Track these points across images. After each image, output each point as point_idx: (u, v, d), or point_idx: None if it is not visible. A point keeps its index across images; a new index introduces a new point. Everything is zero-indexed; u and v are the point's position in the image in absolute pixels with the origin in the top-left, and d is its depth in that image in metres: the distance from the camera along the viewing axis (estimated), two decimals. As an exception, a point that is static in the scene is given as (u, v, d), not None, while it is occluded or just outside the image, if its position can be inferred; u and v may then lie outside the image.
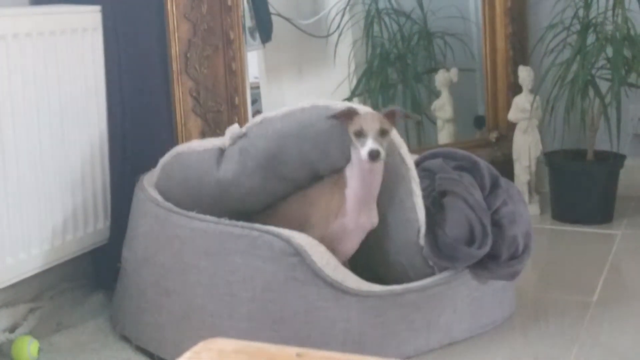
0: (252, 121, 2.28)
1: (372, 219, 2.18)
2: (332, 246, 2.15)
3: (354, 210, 2.14)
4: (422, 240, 2.18)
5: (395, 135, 2.20)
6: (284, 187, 2.24)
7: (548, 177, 3.34)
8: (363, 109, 2.16)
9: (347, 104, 2.15)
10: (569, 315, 2.41)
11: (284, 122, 2.19)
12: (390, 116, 2.12)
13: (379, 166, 2.11)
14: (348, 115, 2.10)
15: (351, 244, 2.19)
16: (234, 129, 2.27)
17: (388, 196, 2.21)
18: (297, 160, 2.19)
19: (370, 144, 2.04)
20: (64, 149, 2.34)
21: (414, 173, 2.21)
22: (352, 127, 2.08)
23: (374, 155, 2.03)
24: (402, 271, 2.21)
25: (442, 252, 2.18)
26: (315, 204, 2.19)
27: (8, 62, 2.14)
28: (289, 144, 2.18)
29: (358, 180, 2.12)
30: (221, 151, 2.27)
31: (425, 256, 2.18)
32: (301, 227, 2.15)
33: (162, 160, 2.35)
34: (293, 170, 2.21)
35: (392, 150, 2.19)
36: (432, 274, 2.20)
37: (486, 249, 2.19)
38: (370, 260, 2.28)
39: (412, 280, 2.18)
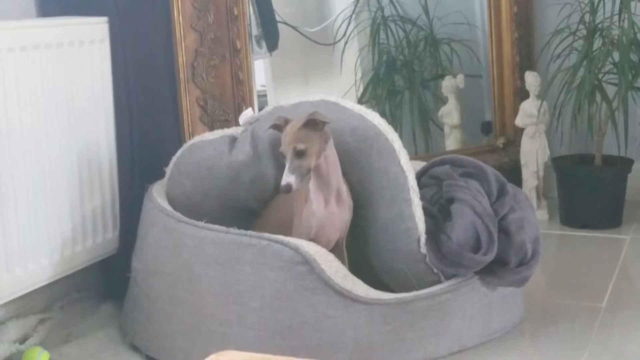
0: (265, 108, 2.41)
1: (343, 208, 2.20)
2: (310, 231, 2.17)
3: (318, 200, 2.16)
4: (423, 249, 2.19)
5: (396, 144, 2.22)
6: None
7: (556, 182, 3.34)
8: (293, 120, 2.15)
9: (278, 115, 2.18)
10: (579, 321, 2.40)
11: (292, 110, 2.26)
12: (311, 124, 2.10)
13: (330, 162, 2.13)
14: (278, 127, 2.16)
15: (329, 232, 2.20)
16: (247, 113, 2.36)
17: (387, 206, 2.22)
18: None
19: (284, 176, 2.06)
20: (72, 159, 2.35)
21: (413, 182, 2.22)
22: (280, 145, 2.12)
23: (285, 190, 2.05)
24: (406, 278, 2.21)
25: (447, 259, 2.18)
26: (295, 192, 2.21)
27: (16, 73, 2.15)
28: None
29: (313, 178, 2.16)
30: (234, 138, 2.37)
31: (430, 264, 2.19)
32: (291, 216, 2.20)
33: (175, 156, 2.40)
34: None
35: (391, 159, 2.20)
36: (437, 281, 2.20)
37: (491, 255, 2.19)
38: (373, 268, 2.29)
39: (416, 287, 2.19)
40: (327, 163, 2.13)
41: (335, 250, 2.20)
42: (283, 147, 2.09)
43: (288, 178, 2.05)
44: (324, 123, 2.11)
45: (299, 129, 2.09)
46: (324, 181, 2.15)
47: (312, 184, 2.16)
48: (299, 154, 2.07)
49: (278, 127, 2.17)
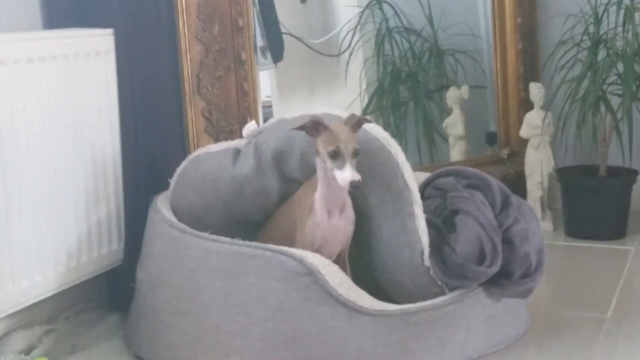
0: (269, 121, 2.41)
1: (346, 221, 2.20)
2: (314, 242, 2.17)
3: (323, 212, 2.16)
4: (426, 262, 2.19)
5: (400, 158, 2.22)
6: (289, 189, 2.32)
7: (560, 193, 3.34)
8: (332, 120, 2.15)
9: (314, 115, 2.14)
10: (583, 332, 2.40)
11: (295, 123, 2.22)
12: (358, 126, 2.13)
13: None
14: (315, 128, 2.10)
15: (331, 244, 2.20)
16: (251, 126, 2.36)
17: (390, 219, 2.23)
18: (300, 161, 2.28)
19: (350, 173, 2.03)
20: (77, 170, 2.36)
21: (416, 196, 2.22)
22: (326, 145, 2.07)
23: (356, 187, 2.04)
24: (409, 290, 2.21)
25: (451, 272, 2.18)
26: (298, 204, 2.23)
27: (22, 85, 2.17)
28: (296, 144, 2.27)
29: (323, 188, 2.15)
30: (237, 151, 2.37)
31: (434, 276, 2.19)
32: (295, 227, 2.20)
33: (179, 168, 2.40)
34: (296, 171, 2.30)
35: (394, 173, 2.21)
36: (441, 292, 2.20)
37: (496, 267, 2.19)
38: (376, 279, 2.29)
39: (419, 299, 2.19)
40: None
41: (337, 262, 2.20)
42: (340, 146, 2.05)
43: (357, 175, 2.03)
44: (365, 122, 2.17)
45: (350, 130, 2.10)
46: (333, 192, 2.15)
47: (317, 195, 2.16)
48: (356, 154, 2.07)
49: (310, 129, 2.10)
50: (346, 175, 2.04)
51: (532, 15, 3.56)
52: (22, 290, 2.21)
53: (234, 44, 2.75)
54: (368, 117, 2.15)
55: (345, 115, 2.23)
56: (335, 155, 2.06)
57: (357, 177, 2.03)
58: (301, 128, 2.11)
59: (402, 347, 2.13)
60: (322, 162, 2.10)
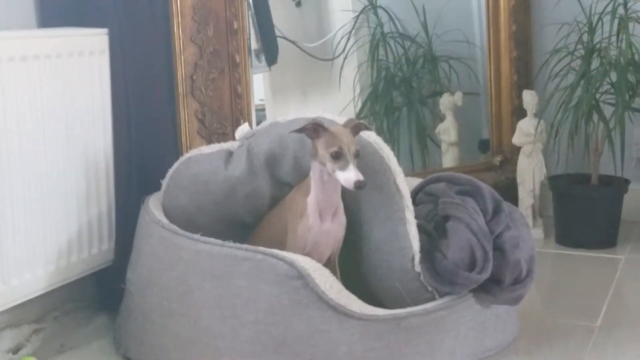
0: (262, 124, 2.42)
1: (338, 225, 2.20)
2: (305, 246, 2.17)
3: (315, 216, 2.17)
4: (417, 267, 2.19)
5: (392, 163, 2.22)
6: (281, 192, 2.32)
7: (552, 201, 3.35)
8: (331, 123, 2.16)
9: (314, 118, 2.15)
10: (573, 340, 2.40)
11: (288, 127, 2.24)
12: (357, 130, 2.15)
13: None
14: (315, 130, 2.11)
15: (322, 248, 2.20)
16: (244, 129, 2.37)
17: (382, 224, 2.23)
18: (292, 164, 2.29)
19: (354, 173, 2.05)
20: (69, 170, 2.35)
21: (408, 202, 2.23)
22: (328, 147, 2.08)
23: (360, 186, 2.04)
24: (399, 295, 2.21)
25: (442, 277, 2.18)
26: (289, 207, 2.23)
27: (16, 83, 2.16)
28: (289, 147, 2.27)
29: (318, 191, 2.16)
30: (230, 153, 2.38)
31: (425, 282, 2.19)
32: (286, 231, 2.20)
33: (171, 169, 2.40)
34: (288, 174, 2.31)
35: (386, 178, 2.21)
36: (431, 298, 2.20)
37: (486, 274, 2.19)
38: (367, 284, 2.28)
39: (410, 304, 2.19)
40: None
41: (327, 265, 2.20)
42: (343, 147, 2.06)
43: (360, 175, 2.04)
44: (366, 129, 2.19)
45: (350, 132, 2.12)
46: (327, 196, 2.15)
47: (311, 198, 2.16)
48: (357, 155, 2.08)
49: (309, 131, 2.11)
50: (350, 175, 2.05)
51: (526, 23, 3.57)
52: (11, 288, 2.20)
53: (229, 47, 2.74)
54: (363, 121, 2.15)
55: (338, 119, 2.24)
56: (337, 156, 2.07)
57: (360, 177, 2.04)
58: (301, 130, 2.12)
59: (392, 352, 2.13)
60: (321, 165, 2.11)
